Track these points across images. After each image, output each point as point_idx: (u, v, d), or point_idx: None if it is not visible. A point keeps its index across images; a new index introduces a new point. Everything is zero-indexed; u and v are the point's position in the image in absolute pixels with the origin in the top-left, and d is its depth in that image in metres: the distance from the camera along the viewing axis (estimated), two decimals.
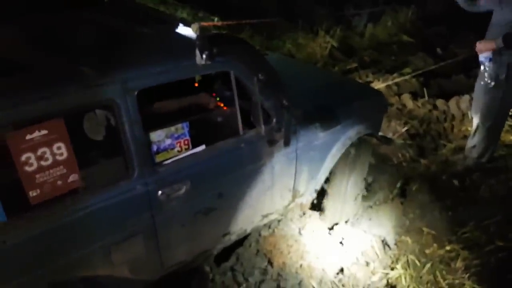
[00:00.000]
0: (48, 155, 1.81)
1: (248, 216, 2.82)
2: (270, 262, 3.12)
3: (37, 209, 1.87)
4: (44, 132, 1.78)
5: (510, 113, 4.94)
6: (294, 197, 3.06)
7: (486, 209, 3.64)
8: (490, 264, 3.11)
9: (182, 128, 2.26)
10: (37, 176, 1.81)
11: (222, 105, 2.86)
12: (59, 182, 1.88)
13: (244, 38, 6.40)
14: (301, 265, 3.13)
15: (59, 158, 1.85)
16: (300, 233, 3.39)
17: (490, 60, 3.67)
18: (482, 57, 3.73)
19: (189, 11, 7.32)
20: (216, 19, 7.29)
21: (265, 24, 7.61)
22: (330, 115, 3.00)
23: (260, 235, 3.30)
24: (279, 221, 3.40)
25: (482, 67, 3.76)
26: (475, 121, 4.15)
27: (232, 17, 7.24)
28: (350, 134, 3.14)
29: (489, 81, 3.73)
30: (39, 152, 1.79)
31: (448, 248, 3.29)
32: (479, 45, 3.73)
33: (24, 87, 1.80)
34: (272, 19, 7.78)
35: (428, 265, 3.11)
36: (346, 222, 3.54)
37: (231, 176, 2.53)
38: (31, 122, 1.76)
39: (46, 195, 1.86)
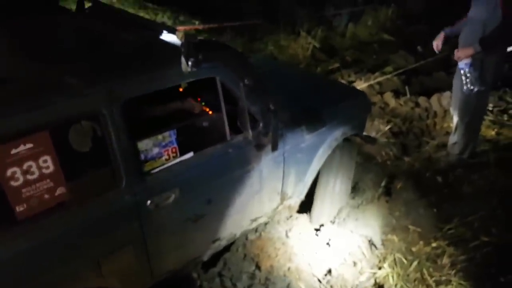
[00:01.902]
0: (34, 169, 1.79)
1: (238, 221, 2.83)
2: (258, 266, 3.12)
3: (24, 224, 1.84)
4: (29, 145, 1.75)
5: (489, 108, 5.07)
6: (282, 199, 3.07)
7: (470, 204, 3.68)
8: (475, 259, 3.15)
9: (169, 136, 2.25)
10: (23, 190, 1.79)
11: (208, 111, 2.86)
12: (46, 196, 1.86)
13: (226, 41, 6.39)
14: (289, 268, 3.13)
15: (45, 171, 1.82)
16: (287, 235, 3.39)
17: (471, 66, 3.68)
18: (462, 64, 3.73)
19: (169, 15, 7.29)
20: (197, 22, 7.27)
21: (246, 27, 7.62)
22: (315, 117, 3.02)
23: (247, 239, 3.30)
24: (265, 224, 3.40)
25: (462, 73, 3.76)
26: (455, 117, 4.21)
27: (213, 20, 7.24)
28: (335, 135, 3.16)
29: (471, 87, 3.73)
30: (25, 166, 1.77)
31: (434, 245, 3.32)
32: (457, 53, 3.75)
33: (6, 100, 1.77)
34: (253, 21, 7.79)
35: (415, 263, 3.13)
36: (332, 223, 3.55)
37: (220, 182, 2.53)
38: (15, 136, 1.73)
39: (33, 209, 1.83)
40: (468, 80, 3.72)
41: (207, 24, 7.19)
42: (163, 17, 7.15)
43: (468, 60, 3.68)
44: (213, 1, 8.20)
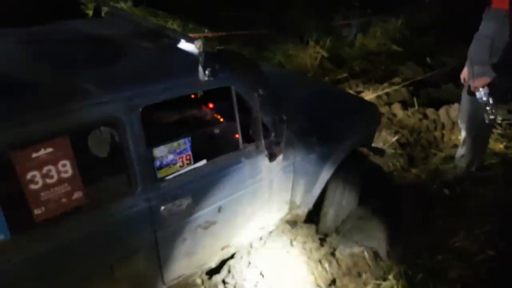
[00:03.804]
0: (53, 172, 1.82)
1: (246, 229, 2.86)
2: (262, 274, 3.12)
3: (41, 227, 1.87)
4: (49, 150, 1.79)
5: (498, 122, 5.07)
6: (290, 209, 3.11)
7: (477, 218, 3.66)
8: (481, 274, 3.13)
9: (184, 143, 2.28)
10: (42, 194, 1.82)
11: (222, 119, 2.89)
12: (64, 200, 1.89)
13: (234, 50, 6.42)
14: (293, 277, 3.13)
15: (64, 175, 1.86)
16: (291, 244, 3.39)
17: (489, 94, 3.59)
18: (480, 94, 3.63)
19: (179, 23, 7.34)
20: (206, 30, 7.31)
21: (255, 36, 7.66)
22: (326, 128, 3.05)
23: (251, 246, 3.30)
24: (270, 232, 3.39)
25: (482, 103, 3.64)
26: (463, 130, 4.22)
27: (222, 29, 7.28)
28: (344, 147, 3.19)
29: (493, 117, 3.64)
30: (45, 170, 1.80)
31: (439, 258, 3.30)
32: (473, 84, 3.69)
33: (29, 106, 1.81)
34: (262, 30, 7.83)
35: (420, 276, 3.12)
36: (338, 233, 3.55)
37: (231, 190, 2.56)
38: (37, 140, 1.77)
39: (50, 212, 1.87)
40: (489, 110, 3.62)
41: (216, 33, 7.24)
42: (172, 24, 7.18)
43: (486, 89, 3.60)
44: (222, 10, 8.26)
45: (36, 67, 2.13)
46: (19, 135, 1.74)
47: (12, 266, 1.83)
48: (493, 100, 3.63)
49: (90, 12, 3.41)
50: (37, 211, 1.83)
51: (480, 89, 3.64)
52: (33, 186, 1.79)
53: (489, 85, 3.62)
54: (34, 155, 1.76)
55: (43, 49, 2.37)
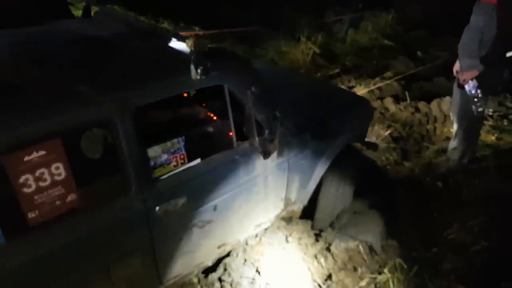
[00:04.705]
0: (46, 175, 1.81)
1: (242, 227, 2.86)
2: (258, 271, 3.13)
3: (36, 230, 1.86)
4: (42, 153, 1.78)
5: (490, 113, 5.10)
6: (286, 205, 3.11)
7: (470, 210, 3.69)
8: (476, 265, 3.16)
9: (178, 143, 2.28)
10: (36, 197, 1.81)
11: (215, 117, 2.89)
12: (58, 202, 1.88)
13: (226, 47, 6.41)
14: (289, 273, 3.14)
15: (57, 178, 1.85)
16: (287, 240, 3.40)
17: (478, 87, 3.65)
18: (469, 86, 3.68)
19: (170, 22, 7.32)
20: (197, 28, 7.29)
21: (247, 33, 7.65)
22: (320, 124, 3.05)
23: (247, 244, 3.30)
24: (266, 229, 3.39)
25: (470, 96, 3.70)
26: (455, 123, 4.25)
27: (215, 27, 7.27)
28: (338, 142, 3.20)
29: (481, 109, 3.69)
30: (37, 173, 1.79)
31: (434, 250, 3.33)
32: (462, 77, 3.74)
33: (21, 108, 1.80)
34: (253, 27, 7.82)
35: (415, 268, 3.14)
36: (333, 228, 3.56)
37: (226, 188, 2.56)
38: (29, 143, 1.75)
39: (44, 216, 1.86)
40: (478, 102, 3.67)
41: (207, 31, 7.22)
42: (163, 23, 7.17)
43: (475, 82, 3.65)
44: (214, 8, 8.25)
45: (26, 69, 2.11)
46: (11, 138, 1.72)
47: (7, 271, 1.82)
48: (482, 92, 3.66)
49: (79, 13, 3.37)
50: (31, 215, 1.82)
51: (469, 81, 3.68)
52: (26, 190, 1.78)
53: (477, 78, 3.66)
54: (26, 158, 1.75)
55: (33, 50, 2.35)
